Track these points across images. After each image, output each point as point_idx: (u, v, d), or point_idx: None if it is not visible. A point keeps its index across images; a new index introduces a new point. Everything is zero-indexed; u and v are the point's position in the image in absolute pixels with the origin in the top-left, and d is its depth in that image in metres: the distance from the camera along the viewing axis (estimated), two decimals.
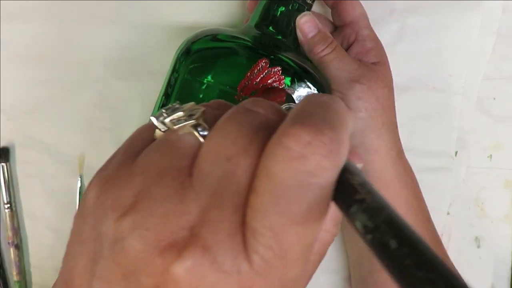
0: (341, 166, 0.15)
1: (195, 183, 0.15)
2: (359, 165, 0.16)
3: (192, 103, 0.18)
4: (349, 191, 0.14)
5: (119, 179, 0.16)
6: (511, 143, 0.43)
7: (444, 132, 0.43)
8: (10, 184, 0.43)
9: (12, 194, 0.43)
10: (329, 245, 0.18)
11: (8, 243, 0.43)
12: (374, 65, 0.35)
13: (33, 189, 0.43)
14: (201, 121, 0.17)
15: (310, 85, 0.33)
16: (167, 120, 0.17)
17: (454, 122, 0.43)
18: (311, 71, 0.34)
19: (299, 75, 0.33)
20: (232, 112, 0.17)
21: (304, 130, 0.14)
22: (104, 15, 0.41)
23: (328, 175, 0.14)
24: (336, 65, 0.34)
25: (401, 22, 0.42)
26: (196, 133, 0.17)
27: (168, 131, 0.17)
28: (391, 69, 0.36)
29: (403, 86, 0.41)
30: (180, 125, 0.17)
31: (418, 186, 0.37)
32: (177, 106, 0.18)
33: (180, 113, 0.17)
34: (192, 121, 0.17)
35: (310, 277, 0.17)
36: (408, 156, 0.37)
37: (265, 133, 0.15)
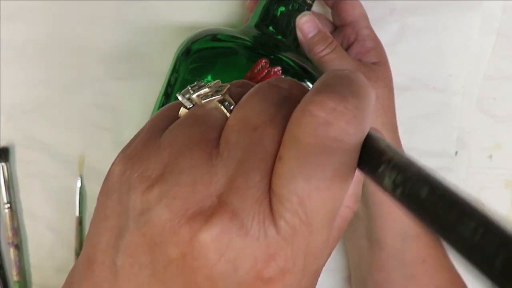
0: (365, 132, 0.15)
1: (222, 153, 0.15)
2: None
3: (218, 80, 0.18)
4: (376, 154, 0.14)
5: (145, 154, 0.16)
6: (511, 143, 0.43)
7: (444, 132, 0.43)
8: (10, 184, 0.43)
9: (12, 194, 0.43)
10: (348, 221, 0.18)
11: (8, 243, 0.43)
12: (374, 65, 0.35)
13: (33, 189, 0.43)
14: (227, 97, 0.17)
15: (310, 85, 0.33)
16: (194, 96, 0.18)
17: (454, 122, 0.43)
18: (311, 71, 0.34)
19: (299, 75, 0.33)
20: (257, 87, 0.17)
21: (329, 97, 0.14)
22: (104, 15, 0.41)
23: (352, 140, 0.14)
24: (336, 65, 0.34)
25: (401, 22, 0.42)
26: (223, 108, 0.17)
27: (194, 107, 0.18)
28: (391, 69, 0.36)
29: (403, 86, 0.41)
30: (207, 100, 0.17)
31: None
32: (202, 83, 0.18)
33: (207, 89, 0.18)
34: (218, 96, 0.17)
35: (330, 252, 0.18)
36: None
37: (290, 106, 0.16)
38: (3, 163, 0.42)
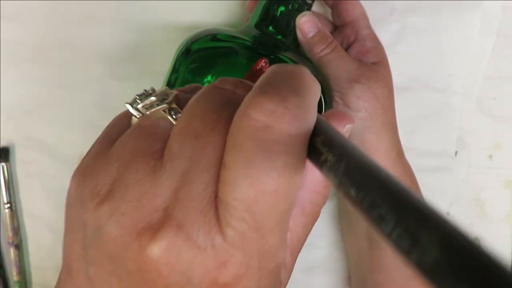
0: (310, 130, 0.15)
1: (166, 164, 0.15)
2: (348, 126, 0.16)
3: (165, 87, 0.18)
4: (316, 154, 0.14)
5: (95, 168, 0.16)
6: (511, 143, 0.43)
7: (444, 132, 0.43)
8: (10, 184, 0.43)
9: (12, 194, 0.43)
10: (321, 206, 0.18)
11: (8, 243, 0.43)
12: (374, 65, 0.35)
13: (33, 189, 0.43)
14: (173, 105, 0.17)
15: None
16: (139, 106, 0.17)
17: (454, 122, 0.43)
18: (311, 71, 0.34)
19: None
20: (200, 92, 0.17)
21: (267, 98, 0.14)
22: (104, 15, 0.41)
23: (295, 141, 0.14)
24: (336, 65, 0.34)
25: (401, 22, 0.42)
26: (168, 117, 0.17)
27: (143, 116, 0.17)
28: (391, 69, 0.36)
29: (403, 86, 0.41)
30: (153, 110, 0.17)
31: (418, 186, 0.37)
32: (150, 91, 0.18)
33: (153, 98, 0.17)
34: (164, 105, 0.17)
35: (304, 239, 0.18)
36: (408, 156, 0.37)
37: (234, 109, 0.15)
38: (3, 163, 0.42)
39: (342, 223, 0.41)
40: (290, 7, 0.35)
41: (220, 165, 0.15)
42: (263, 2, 0.35)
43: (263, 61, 0.32)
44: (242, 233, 0.14)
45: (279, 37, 0.35)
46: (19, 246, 0.43)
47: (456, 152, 0.43)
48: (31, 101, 0.42)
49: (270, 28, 0.35)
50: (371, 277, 0.37)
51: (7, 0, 0.41)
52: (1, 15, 0.41)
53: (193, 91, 0.18)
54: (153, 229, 0.14)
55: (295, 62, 0.34)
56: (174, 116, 0.17)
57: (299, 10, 0.35)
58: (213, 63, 0.34)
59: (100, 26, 0.42)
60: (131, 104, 0.18)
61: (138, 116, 0.18)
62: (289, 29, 0.35)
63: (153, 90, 0.18)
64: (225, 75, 0.33)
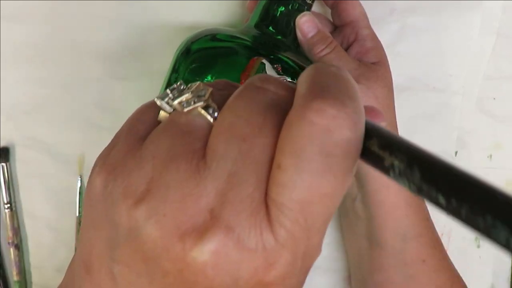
0: (363, 133, 0.15)
1: (210, 164, 0.15)
2: (382, 124, 0.16)
3: (199, 82, 0.18)
4: (375, 158, 0.15)
5: (127, 166, 0.16)
6: (511, 143, 0.43)
7: (444, 132, 0.43)
8: (10, 184, 0.43)
9: (12, 194, 0.43)
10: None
11: (8, 243, 0.43)
12: (373, 65, 0.35)
13: (33, 189, 0.43)
14: (210, 102, 0.16)
15: None
16: (175, 103, 0.17)
17: (454, 122, 0.43)
18: None
19: (299, 75, 0.33)
20: (241, 90, 0.16)
21: (328, 103, 0.14)
22: (104, 15, 0.41)
23: (354, 144, 0.14)
24: (336, 65, 0.34)
25: (401, 22, 0.42)
26: (207, 115, 0.16)
27: (175, 112, 0.17)
28: (391, 69, 0.36)
29: (403, 86, 0.41)
30: (190, 108, 0.16)
31: None
32: (182, 86, 0.18)
33: (188, 95, 0.17)
34: (201, 103, 0.16)
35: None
36: None
37: (278, 110, 0.15)
38: (3, 163, 0.42)
39: (342, 223, 0.41)
40: (290, 7, 0.35)
41: (269, 166, 0.15)
42: (263, 2, 0.35)
43: (261, 60, 0.32)
44: (293, 234, 0.14)
45: (279, 37, 0.35)
46: (19, 246, 0.43)
47: (456, 152, 0.43)
48: (31, 101, 0.42)
49: (270, 28, 0.35)
50: (371, 277, 0.37)
51: (7, 0, 0.41)
52: (1, 15, 0.41)
53: (226, 87, 0.18)
54: (199, 231, 0.14)
55: (295, 62, 0.34)
56: (211, 114, 0.16)
57: (299, 10, 0.35)
58: (213, 63, 0.33)
59: (100, 26, 0.42)
60: (162, 99, 0.17)
61: (169, 112, 0.17)
62: (289, 29, 0.35)
63: (184, 84, 0.18)
64: (225, 75, 0.33)
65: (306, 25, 0.34)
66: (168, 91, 0.17)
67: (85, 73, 0.42)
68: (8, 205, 0.43)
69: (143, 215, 0.14)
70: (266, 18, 0.35)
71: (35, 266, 0.44)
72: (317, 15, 0.38)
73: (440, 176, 0.12)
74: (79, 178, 0.43)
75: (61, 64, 0.42)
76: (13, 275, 0.43)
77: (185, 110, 0.16)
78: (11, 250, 0.43)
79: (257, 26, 0.35)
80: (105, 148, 0.18)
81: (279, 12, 0.35)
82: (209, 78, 0.33)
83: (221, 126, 0.16)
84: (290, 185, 0.14)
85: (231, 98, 0.16)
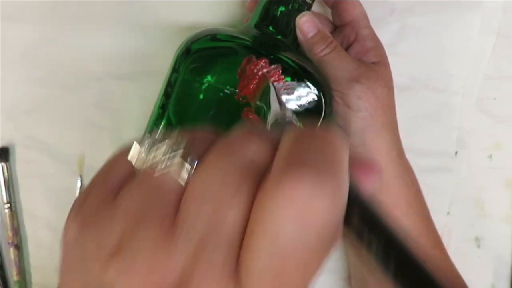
0: (345, 204, 0.14)
1: (182, 227, 0.15)
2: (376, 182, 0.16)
3: (175, 135, 0.17)
4: (356, 234, 0.15)
5: (99, 219, 0.16)
6: (511, 143, 0.43)
7: (444, 132, 0.43)
8: (10, 184, 0.43)
9: (12, 194, 0.43)
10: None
11: (8, 243, 0.43)
12: (374, 65, 0.35)
13: (33, 189, 0.43)
14: (187, 159, 0.16)
15: (310, 85, 0.33)
16: (148, 158, 0.16)
17: (454, 122, 0.43)
18: (311, 71, 0.34)
19: (299, 75, 0.33)
20: (219, 151, 0.16)
21: (305, 181, 0.13)
22: (104, 15, 0.41)
23: (332, 222, 0.14)
24: (336, 65, 0.34)
25: (401, 22, 0.42)
26: (180, 175, 0.16)
27: (149, 169, 0.16)
28: (391, 69, 0.36)
29: (403, 86, 0.41)
30: (163, 166, 0.16)
31: (418, 186, 0.37)
32: (157, 137, 0.17)
33: (162, 150, 0.16)
34: (175, 161, 0.16)
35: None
36: (408, 156, 0.37)
37: (254, 175, 0.15)
38: (3, 163, 0.42)
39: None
40: (290, 7, 0.35)
41: (243, 230, 0.14)
42: (263, 2, 0.35)
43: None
44: None
45: (279, 37, 0.35)
46: (19, 246, 0.43)
47: (456, 152, 0.43)
48: (31, 101, 0.42)
49: (270, 28, 0.35)
50: (371, 277, 0.37)
51: (7, 0, 0.41)
52: (1, 15, 0.41)
53: (204, 140, 0.17)
54: None
55: (295, 62, 0.34)
56: (186, 173, 0.16)
57: (299, 10, 0.35)
58: (213, 63, 0.34)
59: (100, 26, 0.42)
60: (137, 153, 0.17)
61: (143, 164, 0.17)
62: (289, 29, 0.35)
63: (162, 135, 0.17)
64: (225, 75, 0.33)
65: (306, 25, 0.34)
66: (146, 141, 0.17)
67: (85, 73, 0.42)
68: (8, 205, 0.43)
69: (114, 275, 0.14)
70: (266, 18, 0.35)
71: (35, 266, 0.44)
72: (317, 15, 0.37)
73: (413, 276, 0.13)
74: (79, 178, 0.43)
75: (61, 64, 0.42)
76: (13, 275, 0.43)
77: (159, 167, 0.16)
78: (11, 250, 0.43)
79: (257, 26, 0.35)
80: (82, 193, 0.17)
81: (279, 12, 0.35)
82: (209, 78, 0.33)
83: (193, 191, 0.15)
84: (263, 252, 0.13)
85: (207, 160, 0.15)
